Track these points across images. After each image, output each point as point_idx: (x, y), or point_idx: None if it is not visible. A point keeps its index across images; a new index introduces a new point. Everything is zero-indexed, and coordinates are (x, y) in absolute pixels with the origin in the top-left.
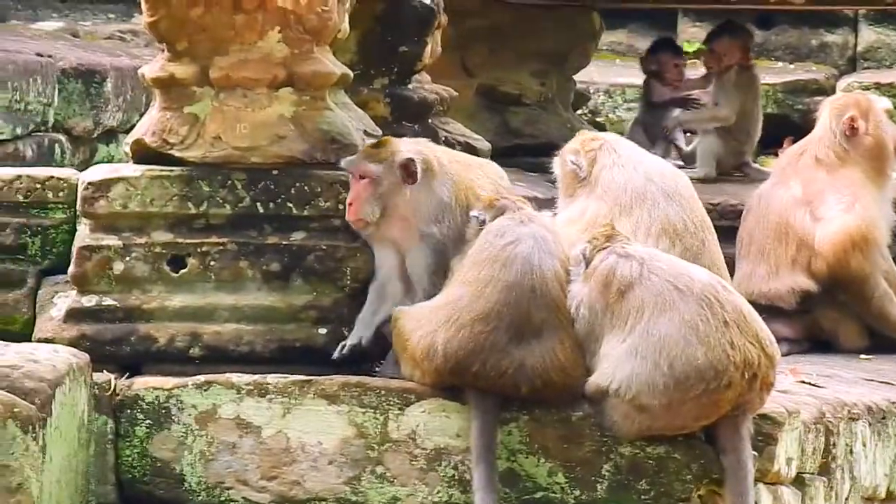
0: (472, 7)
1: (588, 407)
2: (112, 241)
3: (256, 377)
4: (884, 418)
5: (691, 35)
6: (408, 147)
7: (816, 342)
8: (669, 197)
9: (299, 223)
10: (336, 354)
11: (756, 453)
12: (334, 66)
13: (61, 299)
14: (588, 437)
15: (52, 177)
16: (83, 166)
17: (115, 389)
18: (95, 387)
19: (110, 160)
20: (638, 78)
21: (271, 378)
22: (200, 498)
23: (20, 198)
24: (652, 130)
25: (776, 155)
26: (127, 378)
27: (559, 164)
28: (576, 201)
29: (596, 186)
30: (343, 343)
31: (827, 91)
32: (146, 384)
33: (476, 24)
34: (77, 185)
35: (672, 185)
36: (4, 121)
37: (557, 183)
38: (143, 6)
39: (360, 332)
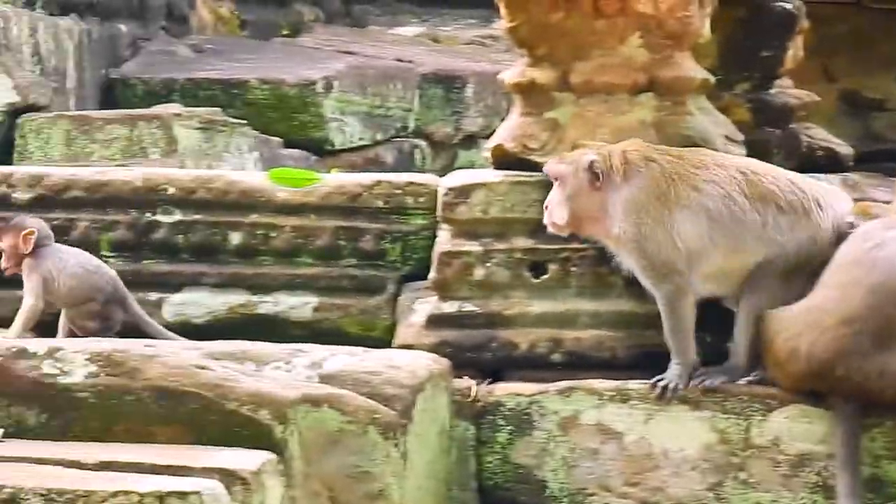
0: (833, 12)
1: None
2: (473, 246)
3: (618, 383)
4: None
5: None
6: (604, 149)
7: None
8: None
9: None
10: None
11: None
12: (695, 71)
13: (421, 305)
14: None
15: (412, 182)
16: (443, 172)
17: (476, 396)
18: (456, 393)
19: (470, 166)
20: None
21: (633, 384)
22: None
23: (380, 204)
24: None
25: None
26: (488, 384)
27: None
28: None
29: None
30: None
31: None
32: (507, 390)
33: (838, 30)
34: (437, 190)
35: None
36: (365, 126)
37: None
38: (503, 11)
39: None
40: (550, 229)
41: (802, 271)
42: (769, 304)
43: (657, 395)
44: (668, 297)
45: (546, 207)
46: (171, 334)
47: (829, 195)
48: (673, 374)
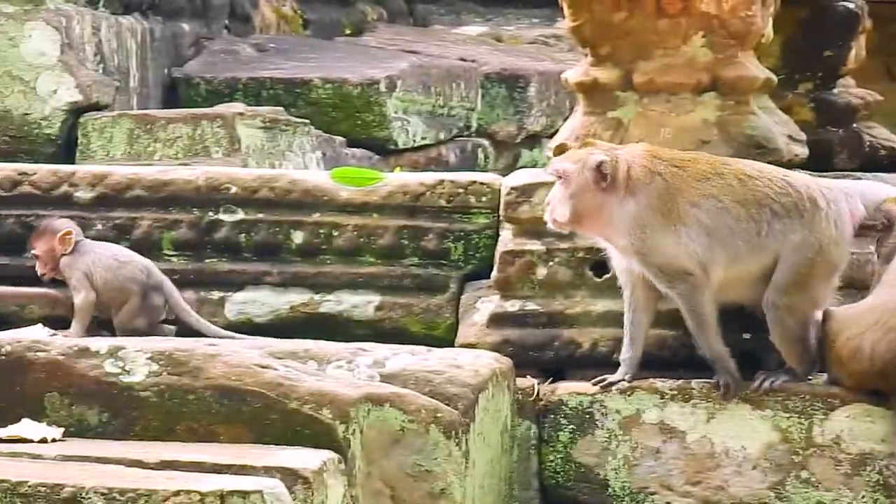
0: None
1: None
2: (535, 246)
3: (680, 382)
4: None
5: None
6: (613, 151)
7: None
8: None
9: None
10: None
11: None
12: (758, 71)
13: (484, 304)
14: None
15: (475, 182)
16: (506, 171)
17: (538, 394)
18: (518, 392)
19: (533, 165)
20: None
21: (695, 383)
22: (624, 503)
23: (443, 203)
24: None
25: None
26: (550, 383)
27: None
28: None
29: None
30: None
31: None
32: (569, 389)
33: None
34: (500, 190)
35: None
36: (428, 125)
37: None
38: (566, 11)
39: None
40: (551, 226)
41: (811, 268)
42: (787, 303)
43: (722, 394)
44: (685, 296)
45: (547, 204)
46: (212, 327)
47: (831, 193)
48: (720, 370)
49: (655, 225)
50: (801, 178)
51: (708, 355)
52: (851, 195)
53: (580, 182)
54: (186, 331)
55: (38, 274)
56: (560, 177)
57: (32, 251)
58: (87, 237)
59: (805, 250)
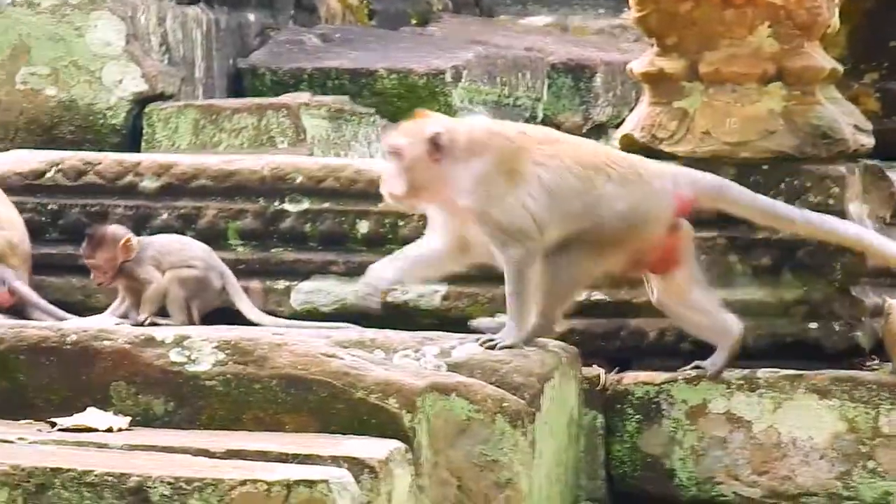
0: None
1: None
2: None
3: (746, 372)
4: None
5: None
6: (443, 122)
7: None
8: None
9: None
10: None
11: None
12: (824, 61)
13: None
14: None
15: None
16: None
17: (605, 384)
18: (585, 381)
19: None
20: None
21: (761, 373)
22: (691, 493)
23: None
24: None
25: None
26: (616, 373)
27: None
28: None
29: None
30: None
31: None
32: (636, 379)
33: None
34: None
35: None
36: (493, 115)
37: None
38: (632, 1)
39: None
40: (388, 200)
41: (614, 240)
42: (568, 266)
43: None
44: (518, 261)
45: (381, 179)
46: (266, 317)
47: (659, 171)
48: (507, 334)
49: (500, 182)
50: (631, 155)
51: (516, 323)
52: (680, 178)
53: (415, 154)
54: (244, 320)
55: (97, 283)
56: (393, 151)
57: (89, 260)
58: (151, 227)
59: (624, 219)
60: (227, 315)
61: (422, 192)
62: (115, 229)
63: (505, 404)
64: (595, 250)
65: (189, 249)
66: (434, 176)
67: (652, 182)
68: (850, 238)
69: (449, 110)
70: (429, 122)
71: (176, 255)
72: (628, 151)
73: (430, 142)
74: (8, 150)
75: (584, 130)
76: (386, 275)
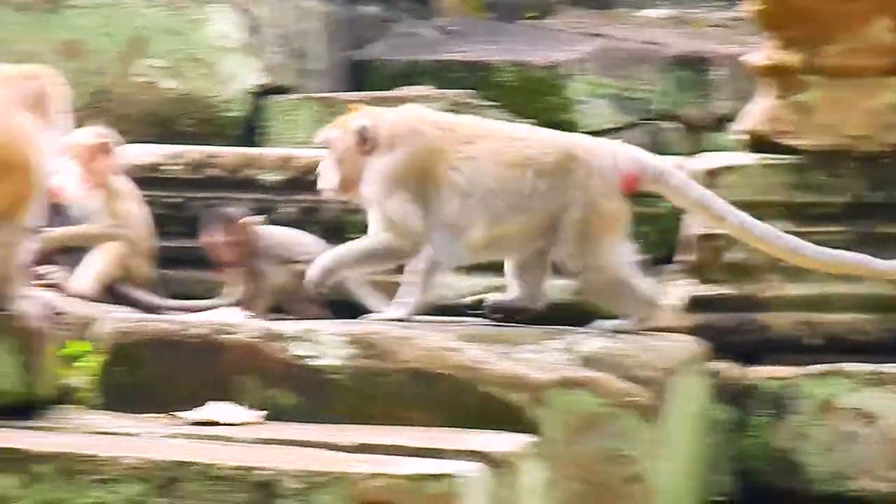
0: None
1: None
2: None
3: (874, 367)
4: None
5: None
6: (373, 114)
7: None
8: None
9: None
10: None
11: None
12: None
13: (673, 288)
14: None
15: None
16: (692, 155)
17: (733, 379)
18: (713, 376)
19: (720, 149)
20: None
21: (887, 368)
22: (820, 488)
23: None
24: None
25: None
26: (744, 367)
27: None
28: None
29: None
30: None
31: None
32: (764, 373)
33: None
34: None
35: None
36: (613, 109)
37: None
38: None
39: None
40: (325, 194)
41: (588, 224)
42: (579, 260)
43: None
44: (382, 244)
45: (317, 173)
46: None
47: (597, 149)
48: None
49: (406, 181)
50: (566, 138)
51: (316, 280)
52: (622, 155)
53: (343, 148)
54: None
55: (224, 261)
56: (327, 145)
57: (214, 240)
58: (272, 220)
59: (577, 207)
60: (351, 308)
61: (353, 186)
62: (235, 211)
63: (632, 399)
64: (590, 239)
65: (304, 244)
66: (363, 168)
67: (591, 162)
68: (781, 248)
69: (568, 103)
70: (358, 115)
71: (294, 248)
72: (749, 145)
73: (357, 134)
74: (126, 143)
75: (703, 124)
76: None
